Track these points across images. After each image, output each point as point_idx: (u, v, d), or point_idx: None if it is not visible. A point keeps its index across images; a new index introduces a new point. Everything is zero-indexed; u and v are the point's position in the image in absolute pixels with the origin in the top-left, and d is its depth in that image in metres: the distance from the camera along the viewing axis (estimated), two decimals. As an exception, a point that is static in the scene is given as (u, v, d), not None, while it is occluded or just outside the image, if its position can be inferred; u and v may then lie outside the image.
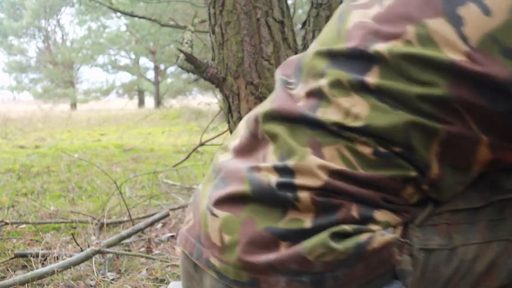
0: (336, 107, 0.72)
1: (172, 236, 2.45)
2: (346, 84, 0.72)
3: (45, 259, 2.04)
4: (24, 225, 2.61)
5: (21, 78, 23.09)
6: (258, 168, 0.74)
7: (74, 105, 21.91)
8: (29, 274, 1.81)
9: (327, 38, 0.81)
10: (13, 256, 2.08)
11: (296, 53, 2.97)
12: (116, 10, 4.91)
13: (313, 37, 3.13)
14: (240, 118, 2.43)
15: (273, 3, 2.80)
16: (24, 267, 2.04)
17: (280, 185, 0.71)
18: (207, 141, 3.68)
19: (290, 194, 0.70)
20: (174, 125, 10.87)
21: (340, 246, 0.68)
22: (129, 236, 2.28)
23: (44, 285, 1.83)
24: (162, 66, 20.06)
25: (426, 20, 0.69)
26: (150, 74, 21.38)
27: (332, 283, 0.69)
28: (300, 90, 0.78)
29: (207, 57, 3.96)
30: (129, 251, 2.22)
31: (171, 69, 19.68)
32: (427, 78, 0.68)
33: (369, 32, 0.73)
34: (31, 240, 2.39)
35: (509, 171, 0.76)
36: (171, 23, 4.49)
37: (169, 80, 20.30)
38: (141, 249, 2.26)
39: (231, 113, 2.45)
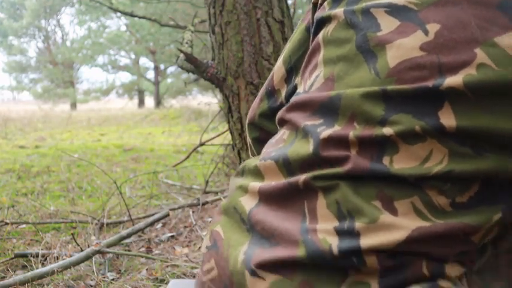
0: (408, 155, 0.64)
1: (172, 236, 2.45)
2: (420, 131, 0.64)
3: (45, 259, 2.04)
4: (24, 225, 2.61)
5: (21, 78, 23.10)
6: (314, 231, 0.65)
7: (74, 105, 21.92)
8: (29, 274, 1.81)
9: (358, 78, 0.70)
10: (13, 256, 2.08)
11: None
12: (116, 10, 4.91)
13: (313, 37, 3.13)
14: (240, 118, 2.43)
15: (273, 3, 2.80)
16: (24, 267, 2.04)
17: (344, 252, 0.63)
18: (207, 141, 3.68)
19: (355, 259, 0.63)
20: (174, 125, 10.88)
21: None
22: (129, 236, 2.28)
23: (44, 285, 1.83)
24: (162, 66, 20.07)
25: (495, 39, 0.62)
26: (150, 74, 21.41)
27: None
28: (341, 132, 0.68)
29: (207, 57, 3.96)
30: (129, 251, 2.22)
31: (171, 69, 19.70)
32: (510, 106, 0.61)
33: (428, 66, 0.65)
34: (31, 240, 2.39)
35: None
36: (171, 23, 4.49)
37: (169, 80, 20.31)
38: (141, 249, 2.26)
39: (231, 113, 2.45)
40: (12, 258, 2.08)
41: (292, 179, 0.69)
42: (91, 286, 1.81)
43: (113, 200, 3.12)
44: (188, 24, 3.09)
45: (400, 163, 0.64)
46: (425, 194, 0.63)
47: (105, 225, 2.57)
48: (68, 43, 22.76)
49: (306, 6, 6.70)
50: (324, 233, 0.65)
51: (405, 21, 0.68)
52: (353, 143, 0.66)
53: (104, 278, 1.86)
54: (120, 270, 1.97)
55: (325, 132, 0.69)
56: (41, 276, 1.82)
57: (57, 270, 1.84)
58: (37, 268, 1.91)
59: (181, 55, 2.42)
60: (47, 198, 3.40)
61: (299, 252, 0.64)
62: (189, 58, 2.33)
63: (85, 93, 23.35)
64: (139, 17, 4.81)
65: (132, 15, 4.66)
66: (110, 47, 20.24)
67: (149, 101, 22.29)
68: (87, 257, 1.92)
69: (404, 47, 0.67)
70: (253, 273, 0.67)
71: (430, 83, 0.63)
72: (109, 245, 2.09)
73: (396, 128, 0.64)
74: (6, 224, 2.49)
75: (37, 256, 2.04)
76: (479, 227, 0.63)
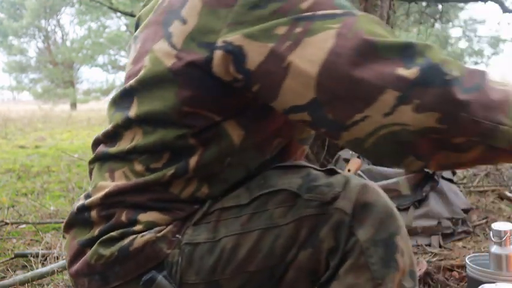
0: (125, 140, 0.91)
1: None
2: (122, 123, 0.91)
3: (45, 259, 2.04)
4: (24, 225, 2.61)
5: (21, 78, 23.08)
6: (79, 199, 0.96)
7: (74, 105, 21.93)
8: (29, 274, 1.81)
9: None
10: (13, 256, 2.08)
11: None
12: (116, 10, 4.92)
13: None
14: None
15: (273, 3, 2.79)
16: (24, 267, 2.04)
17: (79, 209, 0.93)
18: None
19: (86, 213, 0.91)
20: (174, 125, 10.87)
21: (106, 251, 0.86)
22: (129, 236, 2.28)
23: (44, 285, 1.83)
24: (162, 66, 20.02)
25: (154, 47, 0.89)
26: (150, 74, 21.34)
27: (114, 277, 0.87)
28: (107, 130, 0.98)
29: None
30: (129, 251, 2.22)
31: (171, 69, 19.64)
32: (161, 93, 0.87)
33: (129, 75, 0.95)
34: (31, 240, 2.39)
35: (278, 168, 0.89)
36: (171, 23, 4.49)
37: (169, 80, 20.25)
38: (141, 249, 2.26)
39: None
40: (12, 258, 2.08)
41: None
42: (91, 286, 1.80)
43: (113, 200, 3.12)
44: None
45: (121, 145, 0.91)
46: (132, 164, 0.89)
47: (105, 225, 2.57)
48: (68, 43, 22.75)
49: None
50: (83, 198, 0.94)
51: (133, 43, 1.00)
52: (101, 139, 0.98)
53: (104, 278, 1.86)
54: (120, 270, 1.97)
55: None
56: (41, 276, 1.82)
57: (57, 270, 1.84)
58: (37, 268, 1.91)
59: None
60: (47, 198, 3.40)
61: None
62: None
63: (85, 93, 23.33)
64: (139, 17, 4.81)
65: (132, 15, 4.66)
66: (110, 47, 20.23)
67: (149, 101, 22.24)
68: (87, 257, 1.92)
69: (129, 61, 0.98)
70: (63, 236, 1.02)
71: (127, 86, 0.92)
72: (109, 245, 2.09)
73: (113, 123, 0.93)
74: (6, 224, 2.49)
75: (37, 256, 2.04)
76: (157, 180, 0.87)
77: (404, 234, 0.81)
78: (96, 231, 0.88)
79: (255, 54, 0.77)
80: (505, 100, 0.70)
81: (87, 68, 22.78)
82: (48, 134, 8.92)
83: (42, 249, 2.10)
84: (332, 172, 0.85)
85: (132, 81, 0.90)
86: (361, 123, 0.73)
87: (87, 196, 0.92)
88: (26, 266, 2.02)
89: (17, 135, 8.82)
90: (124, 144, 0.90)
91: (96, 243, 0.87)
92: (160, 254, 0.85)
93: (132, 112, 0.89)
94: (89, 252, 0.87)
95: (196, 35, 0.83)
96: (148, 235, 0.85)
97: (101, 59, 21.34)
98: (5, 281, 1.77)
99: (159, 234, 0.86)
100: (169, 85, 0.85)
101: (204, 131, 0.86)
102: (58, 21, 23.00)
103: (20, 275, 1.82)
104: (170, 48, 0.85)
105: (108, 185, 0.89)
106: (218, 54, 0.80)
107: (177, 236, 0.86)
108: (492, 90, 0.71)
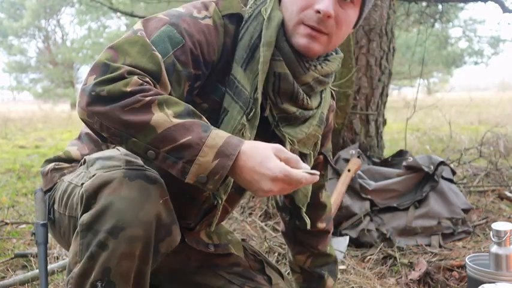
0: None
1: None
2: None
3: (45, 259, 2.04)
4: (24, 225, 2.61)
5: (21, 78, 23.03)
6: None
7: (74, 105, 21.88)
8: (29, 274, 1.81)
9: None
10: (13, 256, 2.08)
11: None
12: (116, 10, 4.91)
13: (313, 37, 3.12)
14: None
15: (273, 3, 2.77)
16: (24, 267, 2.04)
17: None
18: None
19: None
20: (174, 125, 10.84)
21: (42, 169, 1.31)
22: (129, 236, 2.27)
23: (44, 285, 1.82)
24: (162, 66, 19.98)
25: None
26: (150, 74, 21.31)
27: (43, 187, 1.28)
28: None
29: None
30: (129, 251, 2.22)
31: (171, 69, 19.61)
32: None
33: None
34: (31, 240, 2.39)
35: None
36: (171, 23, 4.48)
37: (169, 80, 20.22)
38: (141, 249, 2.26)
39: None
40: (12, 258, 2.08)
41: None
42: (91, 286, 1.80)
43: (113, 200, 3.12)
44: (188, 24, 3.08)
45: None
46: None
47: (105, 225, 2.56)
48: (68, 43, 22.72)
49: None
50: None
51: None
52: None
53: (104, 278, 1.85)
54: (120, 270, 1.97)
55: None
56: (41, 276, 1.82)
57: (57, 270, 1.84)
58: (37, 268, 1.91)
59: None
60: (47, 198, 3.39)
61: None
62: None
63: (85, 93, 23.25)
64: (140, 17, 4.80)
65: (132, 15, 4.66)
66: (110, 47, 20.16)
67: (149, 101, 22.18)
68: (87, 257, 1.91)
69: None
70: None
71: None
72: (109, 245, 2.09)
73: None
74: (6, 224, 2.49)
75: (37, 256, 2.04)
76: None
77: (121, 233, 0.96)
78: None
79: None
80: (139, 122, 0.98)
81: (87, 68, 22.73)
82: (48, 134, 8.91)
83: (42, 249, 2.09)
84: (130, 164, 1.05)
85: None
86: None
87: None
88: (26, 266, 2.02)
89: (17, 135, 8.81)
90: None
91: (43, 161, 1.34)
92: (53, 180, 1.26)
93: None
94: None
95: None
96: (52, 164, 1.29)
97: (101, 59, 21.30)
98: (5, 281, 1.77)
99: (57, 166, 1.27)
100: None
101: None
102: (58, 21, 22.97)
103: (20, 275, 1.82)
104: None
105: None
106: None
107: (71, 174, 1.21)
108: (133, 110, 0.97)
